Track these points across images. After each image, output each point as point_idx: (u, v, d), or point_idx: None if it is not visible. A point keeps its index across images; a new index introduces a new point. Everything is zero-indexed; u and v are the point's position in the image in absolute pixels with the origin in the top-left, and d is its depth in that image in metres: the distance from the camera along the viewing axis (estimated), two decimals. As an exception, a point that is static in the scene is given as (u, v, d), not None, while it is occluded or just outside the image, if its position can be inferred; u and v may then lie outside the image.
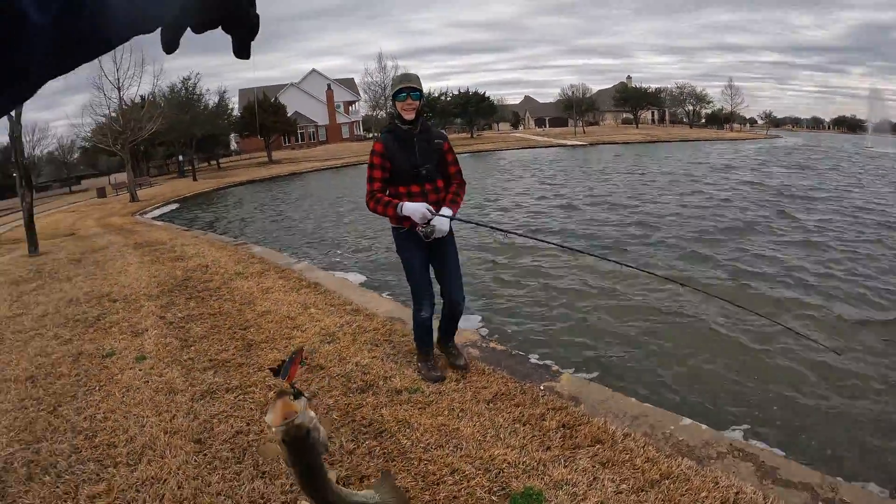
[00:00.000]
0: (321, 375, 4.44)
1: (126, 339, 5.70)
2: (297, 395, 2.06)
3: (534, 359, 4.98)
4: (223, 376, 4.54)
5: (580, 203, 17.90)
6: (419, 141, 3.91)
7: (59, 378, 4.84)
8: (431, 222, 3.80)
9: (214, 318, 6.08)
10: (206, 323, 5.93)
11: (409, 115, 3.85)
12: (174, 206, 29.65)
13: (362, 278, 9.45)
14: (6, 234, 21.34)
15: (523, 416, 3.68)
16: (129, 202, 31.33)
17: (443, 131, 4.15)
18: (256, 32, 0.64)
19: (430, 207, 3.81)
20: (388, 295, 7.42)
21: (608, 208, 16.65)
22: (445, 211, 3.89)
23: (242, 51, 0.65)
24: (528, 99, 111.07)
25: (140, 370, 4.82)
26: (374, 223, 15.44)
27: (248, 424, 3.75)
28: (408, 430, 3.53)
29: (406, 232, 4.00)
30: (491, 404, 3.84)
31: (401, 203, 3.80)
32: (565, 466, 3.09)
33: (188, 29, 0.58)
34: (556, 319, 7.28)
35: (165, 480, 3.17)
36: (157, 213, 26.47)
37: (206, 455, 3.40)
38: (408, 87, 3.81)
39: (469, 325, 6.26)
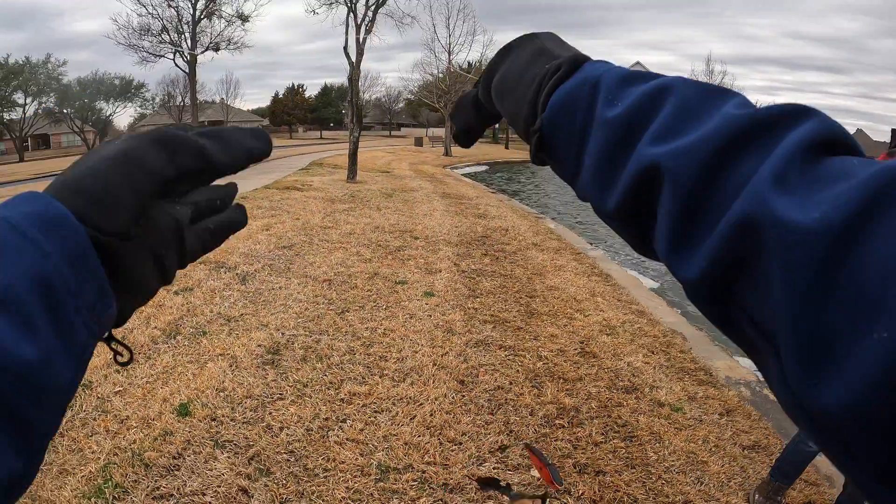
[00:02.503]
0: (592, 363, 4.53)
1: (420, 273, 6.39)
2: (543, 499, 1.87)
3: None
4: (500, 333, 4.87)
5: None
6: None
7: (352, 288, 5.63)
8: None
9: (504, 279, 6.50)
10: (495, 281, 6.37)
11: None
12: (483, 168, 32.43)
13: (654, 284, 9.29)
14: (329, 159, 25.27)
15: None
16: (441, 155, 35.02)
17: None
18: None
19: None
20: (676, 308, 7.26)
21: None
22: None
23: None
24: (859, 132, 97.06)
25: (426, 304, 5.39)
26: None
27: (510, 384, 3.98)
28: (657, 445, 3.53)
29: None
30: (747, 451, 3.65)
31: None
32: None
33: None
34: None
35: (421, 405, 3.54)
36: (466, 170, 29.17)
37: (464, 396, 3.70)
38: None
39: (749, 362, 5.89)
